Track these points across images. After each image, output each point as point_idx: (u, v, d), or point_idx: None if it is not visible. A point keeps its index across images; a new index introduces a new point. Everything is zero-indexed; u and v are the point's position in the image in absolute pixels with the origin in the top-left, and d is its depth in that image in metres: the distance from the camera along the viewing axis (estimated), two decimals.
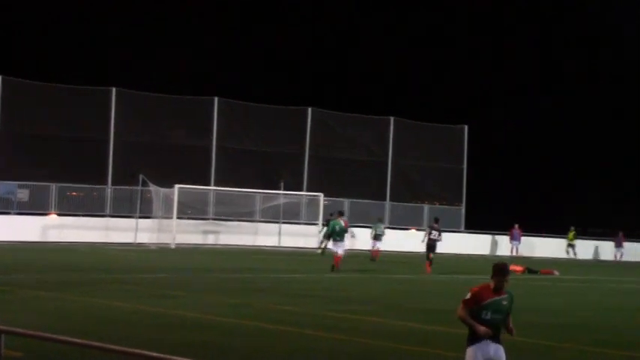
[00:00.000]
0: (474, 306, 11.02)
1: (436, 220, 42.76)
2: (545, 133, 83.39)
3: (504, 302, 11.15)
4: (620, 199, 78.36)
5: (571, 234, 62.76)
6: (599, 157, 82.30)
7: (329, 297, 26.18)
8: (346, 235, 39.94)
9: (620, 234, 64.46)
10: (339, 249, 37.56)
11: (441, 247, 42.43)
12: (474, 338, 11.02)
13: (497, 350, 11.02)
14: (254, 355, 15.72)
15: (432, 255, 39.82)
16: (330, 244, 40.59)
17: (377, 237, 49.47)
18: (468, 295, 11.13)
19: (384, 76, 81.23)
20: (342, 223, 39.10)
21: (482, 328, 10.88)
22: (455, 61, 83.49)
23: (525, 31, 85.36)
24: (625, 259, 62.79)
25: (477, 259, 55.17)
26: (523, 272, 42.79)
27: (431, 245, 40.13)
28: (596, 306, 27.83)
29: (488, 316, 10.98)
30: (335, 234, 38.45)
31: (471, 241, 61.24)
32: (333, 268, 36.26)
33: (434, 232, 40.64)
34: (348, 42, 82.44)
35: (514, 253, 60.29)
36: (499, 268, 11.33)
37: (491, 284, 11.17)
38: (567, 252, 62.37)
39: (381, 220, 51.82)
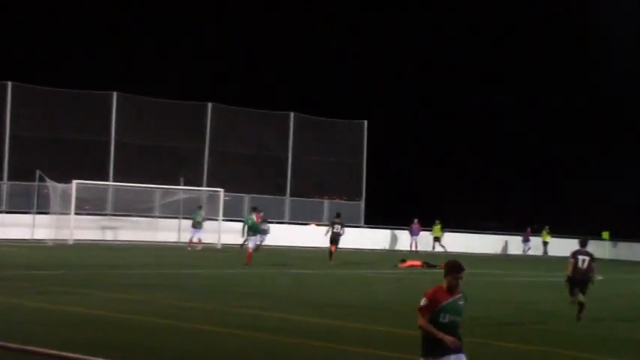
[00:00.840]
0: (431, 311, 10.25)
1: (338, 215, 45.18)
2: (445, 128, 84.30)
3: (460, 302, 10.41)
4: (518, 191, 79.70)
5: (436, 227, 62.50)
6: (504, 151, 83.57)
7: (231, 292, 26.12)
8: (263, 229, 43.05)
9: (528, 229, 66.09)
10: (251, 243, 38.84)
11: (341, 242, 43.31)
12: (433, 350, 10.26)
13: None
14: (154, 351, 15.61)
15: (334, 248, 42.14)
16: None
17: (196, 225, 50.66)
18: (423, 302, 10.31)
19: (284, 71, 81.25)
20: (254, 218, 40.27)
21: (450, 339, 10.14)
22: (354, 56, 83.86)
23: (426, 24, 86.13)
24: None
25: (378, 254, 55.69)
26: (422, 267, 43.29)
27: (334, 239, 42.60)
28: (488, 299, 28.27)
29: (447, 319, 10.24)
30: (248, 229, 39.48)
31: (370, 236, 61.66)
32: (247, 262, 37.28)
33: (336, 226, 43.20)
34: (250, 37, 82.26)
35: (413, 248, 60.91)
36: (452, 266, 10.49)
37: (444, 284, 10.39)
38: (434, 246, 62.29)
39: (201, 208, 52.22)
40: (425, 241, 61.77)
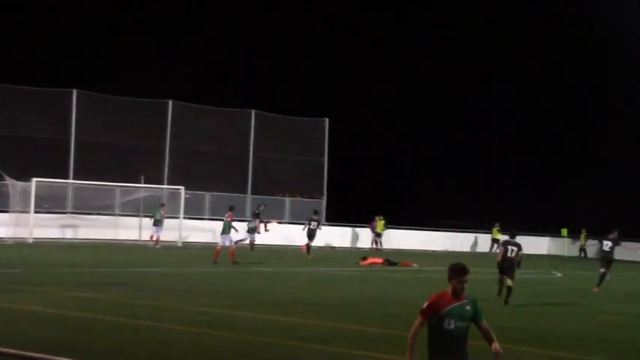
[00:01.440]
0: (433, 316, 9.68)
1: (315, 212, 50.75)
2: (405, 126, 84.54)
3: (467, 307, 9.78)
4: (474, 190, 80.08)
5: (380, 223, 62.65)
6: (471, 148, 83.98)
7: (191, 291, 26.06)
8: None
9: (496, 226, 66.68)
10: (223, 241, 39.61)
11: (301, 240, 43.77)
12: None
13: None
14: (114, 350, 15.54)
15: (310, 243, 47.29)
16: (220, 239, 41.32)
17: (157, 222, 50.93)
18: (425, 305, 9.79)
19: (245, 69, 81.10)
20: (226, 218, 40.76)
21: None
22: (316, 53, 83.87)
23: (386, 20, 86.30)
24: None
25: (339, 252, 55.78)
26: (383, 264, 43.44)
27: (310, 235, 47.66)
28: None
29: (452, 325, 9.63)
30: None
31: (332, 234, 61.67)
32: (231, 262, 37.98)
33: (313, 223, 48.06)
34: (210, 35, 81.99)
35: (375, 245, 61.05)
36: (456, 268, 9.88)
37: (448, 289, 9.83)
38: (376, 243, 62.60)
39: (163, 206, 52.34)
40: (385, 238, 61.81)
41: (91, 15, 79.01)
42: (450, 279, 9.82)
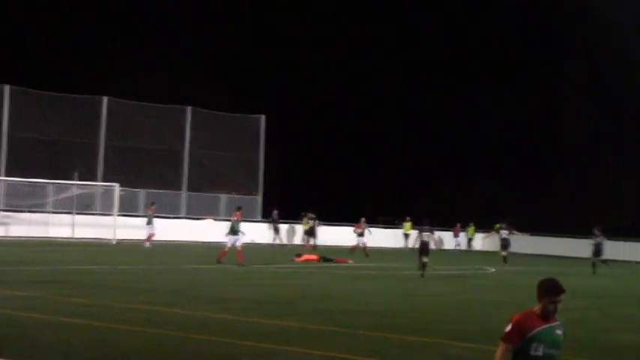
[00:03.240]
0: (519, 340, 8.10)
1: (309, 211, 55.05)
2: (341, 123, 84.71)
3: (558, 331, 8.25)
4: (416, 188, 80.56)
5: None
6: (402, 146, 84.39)
7: (125, 288, 25.88)
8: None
9: (458, 225, 68.29)
10: (229, 242, 38.90)
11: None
12: None
13: None
14: (45, 347, 15.37)
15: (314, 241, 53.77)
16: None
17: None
18: (508, 327, 8.19)
19: (181, 65, 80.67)
20: (233, 217, 40.35)
21: None
22: (253, 50, 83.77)
23: (324, 17, 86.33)
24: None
25: (274, 248, 55.79)
26: (318, 261, 43.46)
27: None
28: (380, 292, 28.56)
29: (540, 351, 8.07)
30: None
31: (268, 230, 61.63)
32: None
33: (311, 221, 54.35)
34: (146, 30, 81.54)
35: (311, 243, 61.06)
36: (549, 286, 8.29)
37: (537, 309, 8.27)
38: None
39: (153, 204, 52.49)
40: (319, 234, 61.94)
41: (22, 10, 78.10)
42: (539, 298, 8.26)
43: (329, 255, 45.51)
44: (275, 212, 60.88)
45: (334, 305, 23.39)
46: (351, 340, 17.20)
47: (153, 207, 52.08)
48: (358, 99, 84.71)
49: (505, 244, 52.44)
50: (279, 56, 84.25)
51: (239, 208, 41.57)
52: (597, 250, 46.64)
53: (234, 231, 39.02)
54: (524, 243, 65.56)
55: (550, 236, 67.40)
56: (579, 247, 62.66)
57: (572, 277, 36.36)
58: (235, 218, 39.78)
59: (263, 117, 64.33)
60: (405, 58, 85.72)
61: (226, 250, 38.26)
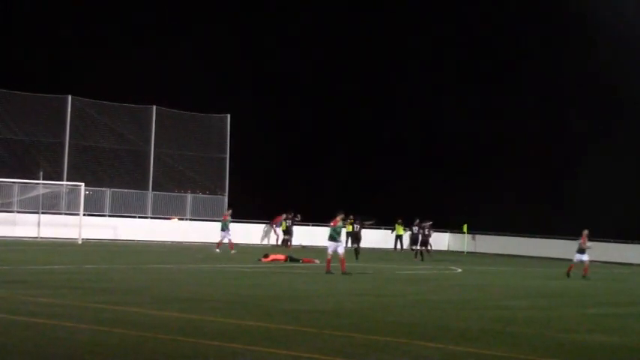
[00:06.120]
0: None
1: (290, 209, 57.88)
2: (306, 122, 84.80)
3: None
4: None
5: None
6: (376, 146, 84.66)
7: (90, 288, 25.79)
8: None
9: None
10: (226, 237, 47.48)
11: (201, 237, 43.71)
12: None
13: None
14: (6, 348, 15.30)
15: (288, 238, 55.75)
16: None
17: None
18: None
19: (146, 64, 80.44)
20: (223, 217, 42.11)
21: None
22: (217, 49, 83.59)
23: (290, 12, 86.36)
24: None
25: (241, 248, 55.74)
26: (285, 260, 43.52)
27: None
28: (348, 291, 28.62)
29: None
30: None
31: (234, 230, 61.57)
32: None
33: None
34: (109, 29, 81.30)
35: (278, 242, 61.16)
36: None
37: None
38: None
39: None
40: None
41: None
42: None
43: (296, 255, 45.61)
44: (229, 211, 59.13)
45: (301, 305, 23.43)
46: (317, 340, 17.23)
47: (228, 212, 51.18)
48: (324, 97, 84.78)
49: (421, 240, 52.31)
50: (244, 55, 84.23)
51: (230, 207, 43.42)
52: (415, 239, 52.98)
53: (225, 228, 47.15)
54: (490, 243, 66.39)
55: (515, 236, 67.86)
56: (545, 247, 63.46)
57: (538, 279, 36.54)
58: (224, 218, 41.62)
59: (228, 116, 64.27)
60: (381, 55, 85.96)
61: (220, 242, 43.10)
